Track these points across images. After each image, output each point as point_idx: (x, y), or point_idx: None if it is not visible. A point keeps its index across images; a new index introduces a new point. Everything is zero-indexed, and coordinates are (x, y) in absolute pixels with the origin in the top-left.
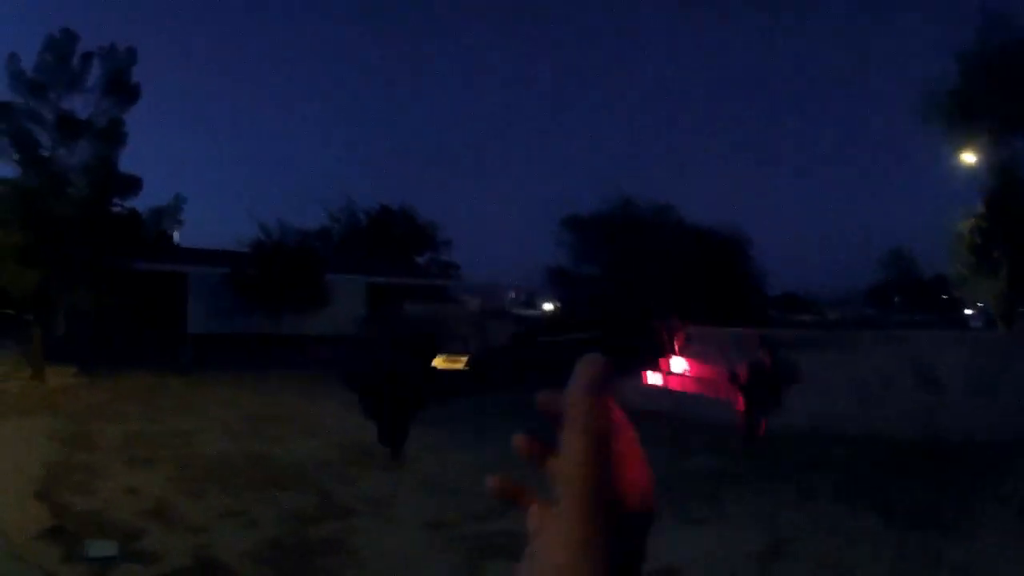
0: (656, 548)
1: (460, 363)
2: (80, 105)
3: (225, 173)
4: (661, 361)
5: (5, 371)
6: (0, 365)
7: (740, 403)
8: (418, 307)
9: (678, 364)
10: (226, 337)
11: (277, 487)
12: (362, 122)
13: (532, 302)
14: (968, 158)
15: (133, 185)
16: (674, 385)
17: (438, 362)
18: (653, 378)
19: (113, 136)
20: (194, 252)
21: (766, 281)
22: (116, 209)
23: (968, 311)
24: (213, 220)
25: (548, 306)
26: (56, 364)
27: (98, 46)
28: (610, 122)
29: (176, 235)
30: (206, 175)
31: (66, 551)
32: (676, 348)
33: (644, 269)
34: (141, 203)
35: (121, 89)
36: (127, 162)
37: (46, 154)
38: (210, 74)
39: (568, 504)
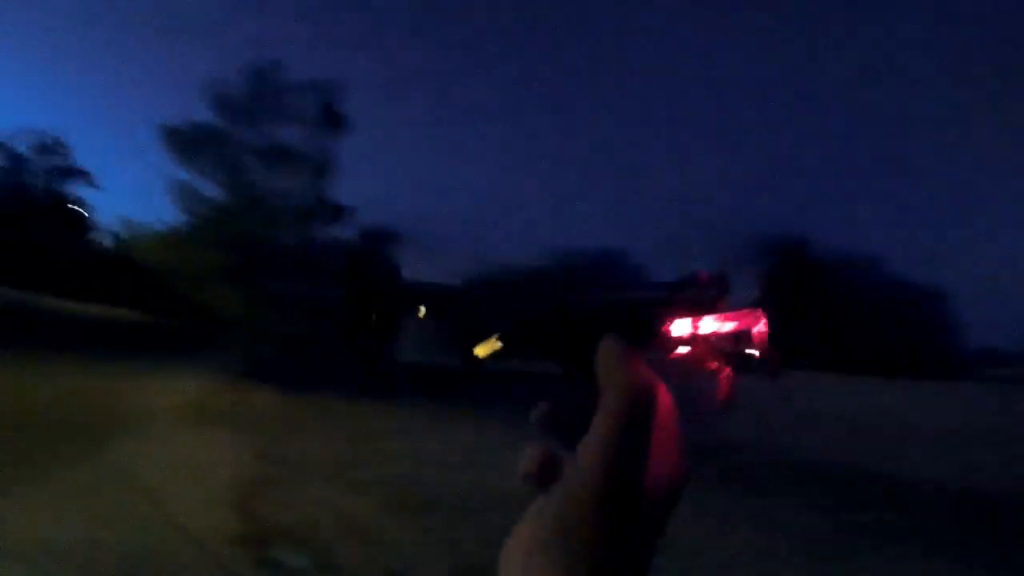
0: None
1: (494, 344)
2: (289, 135)
3: (454, 204)
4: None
5: (204, 386)
6: (200, 380)
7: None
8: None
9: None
10: (435, 368)
11: (483, 511)
12: (565, 164)
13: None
14: None
15: (340, 214)
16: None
17: (479, 350)
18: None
19: (322, 166)
20: (409, 283)
21: (963, 334)
22: (323, 237)
23: None
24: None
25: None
26: (260, 383)
27: (308, 78)
28: (785, 158)
29: (399, 264)
30: (430, 207)
31: (258, 557)
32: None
33: (852, 322)
34: (357, 232)
35: (330, 120)
36: (348, 192)
37: (254, 179)
38: (436, 108)
39: (592, 462)
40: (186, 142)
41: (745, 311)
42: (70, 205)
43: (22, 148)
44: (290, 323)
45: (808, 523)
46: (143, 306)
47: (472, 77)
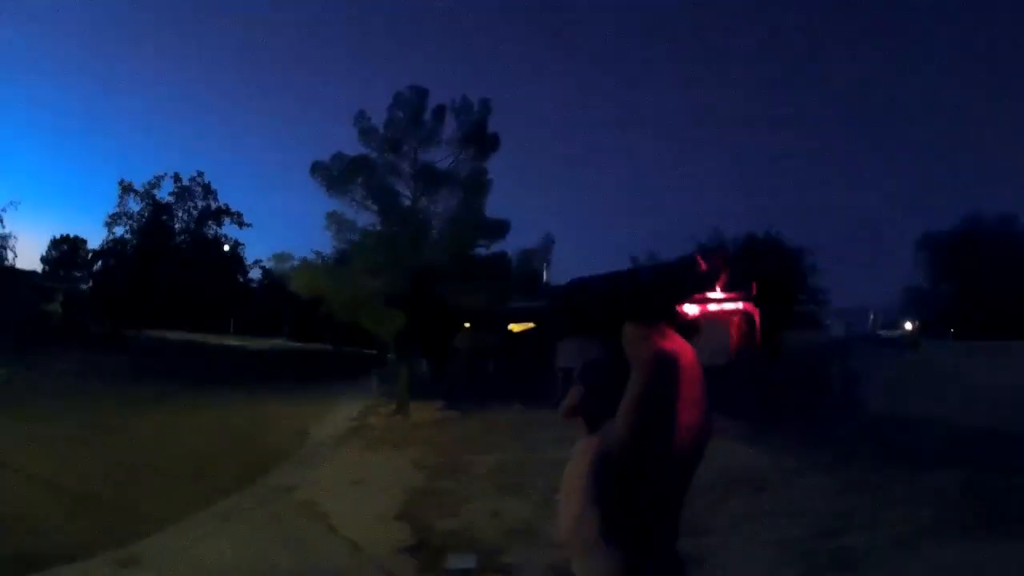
0: None
1: (528, 325)
2: (437, 157)
3: (596, 212)
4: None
5: (370, 407)
6: (365, 402)
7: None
8: None
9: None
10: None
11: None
12: (726, 154)
13: (895, 323)
14: None
15: (500, 228)
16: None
17: (514, 327)
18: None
19: (477, 185)
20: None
21: None
22: (482, 252)
23: None
24: (585, 259)
25: (909, 326)
26: (420, 401)
27: (451, 100)
28: (957, 136)
29: (544, 275)
30: (578, 214)
31: (425, 564)
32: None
33: (996, 285)
34: (511, 245)
35: (479, 139)
36: (494, 207)
37: (408, 204)
38: (571, 116)
39: (626, 408)
40: (335, 174)
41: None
42: (222, 243)
43: (165, 195)
44: (450, 341)
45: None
46: (303, 337)
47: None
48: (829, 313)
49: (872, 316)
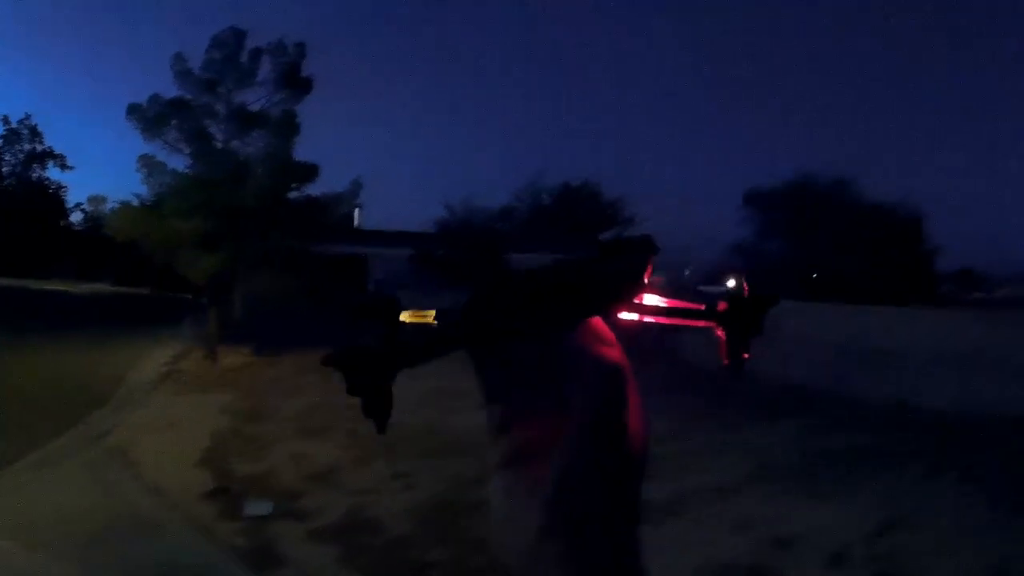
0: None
1: (428, 317)
2: (252, 99)
3: (412, 158)
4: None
5: (180, 352)
6: (175, 347)
7: (721, 333)
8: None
9: (652, 299)
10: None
11: (443, 455)
12: (547, 100)
13: (717, 278)
14: None
15: (309, 173)
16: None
17: (406, 316)
18: (628, 316)
19: (287, 127)
20: (376, 234)
21: (940, 257)
22: (293, 196)
23: None
24: (401, 203)
25: (731, 283)
26: (232, 345)
27: (267, 42)
28: (793, 92)
29: (356, 218)
30: (393, 160)
31: (224, 510)
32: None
33: (825, 247)
34: (323, 189)
35: (293, 82)
36: (306, 151)
37: (220, 146)
38: (391, 59)
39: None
40: (150, 117)
41: (698, 320)
42: (45, 187)
43: None
44: (263, 284)
45: (804, 448)
46: (119, 279)
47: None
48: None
49: (688, 270)
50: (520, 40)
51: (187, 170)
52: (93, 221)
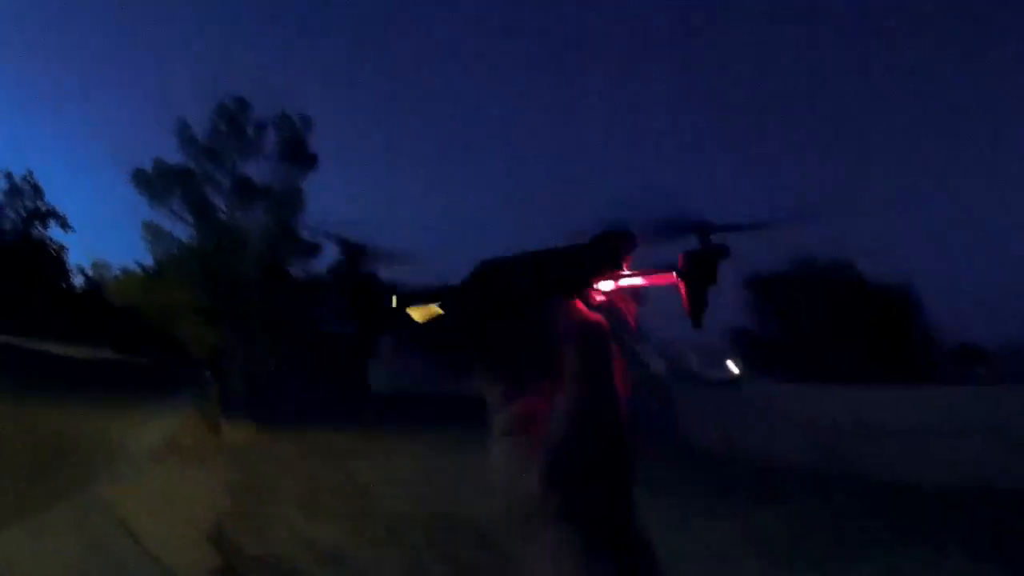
0: None
1: (433, 309)
2: (256, 170)
3: (423, 230)
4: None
5: (181, 423)
6: (177, 417)
7: (682, 288)
8: None
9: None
10: (410, 396)
11: (452, 542)
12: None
13: (717, 363)
14: None
15: (313, 249)
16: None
17: (416, 313)
18: (605, 285)
19: (291, 201)
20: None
21: (939, 334)
22: (295, 270)
23: None
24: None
25: (734, 368)
26: (234, 418)
27: (272, 114)
28: (789, 169)
29: None
30: (402, 233)
31: None
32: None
33: (824, 329)
34: (328, 262)
35: (298, 156)
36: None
37: (224, 217)
38: (402, 132)
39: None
40: (154, 182)
41: (661, 275)
42: (47, 246)
43: None
44: (264, 357)
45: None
46: (119, 345)
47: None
48: (649, 351)
49: (692, 355)
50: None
51: (191, 239)
52: (95, 285)
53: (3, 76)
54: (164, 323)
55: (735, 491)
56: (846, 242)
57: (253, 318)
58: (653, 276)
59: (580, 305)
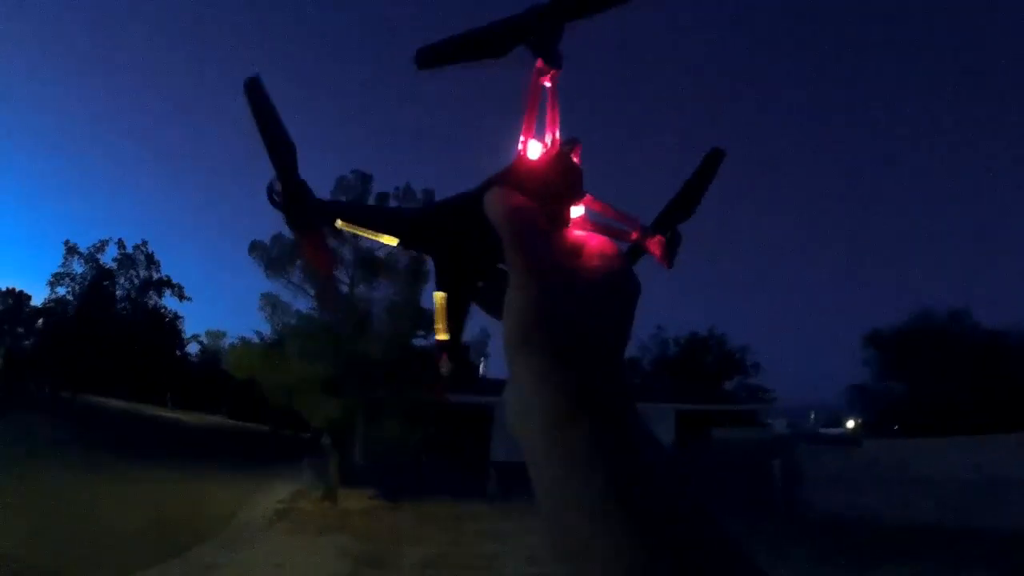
0: None
1: (383, 238)
2: (379, 244)
3: None
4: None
5: (297, 492)
6: (292, 487)
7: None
8: None
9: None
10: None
11: None
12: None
13: (837, 421)
14: None
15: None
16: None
17: (342, 225)
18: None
19: (414, 275)
20: (500, 384)
21: None
22: (419, 344)
23: None
24: None
25: (851, 423)
26: (351, 489)
27: (394, 187)
28: (909, 232)
29: (482, 368)
30: None
31: None
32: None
33: (943, 381)
34: None
35: None
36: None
37: (345, 290)
38: None
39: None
40: (273, 256)
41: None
42: (161, 315)
43: (108, 259)
44: (388, 430)
45: None
46: (235, 413)
47: None
48: (772, 411)
49: (813, 414)
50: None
51: (310, 312)
52: (210, 354)
53: (124, 146)
54: (281, 393)
55: (857, 550)
56: (961, 292)
57: (375, 391)
58: (618, 225)
59: (511, 191)
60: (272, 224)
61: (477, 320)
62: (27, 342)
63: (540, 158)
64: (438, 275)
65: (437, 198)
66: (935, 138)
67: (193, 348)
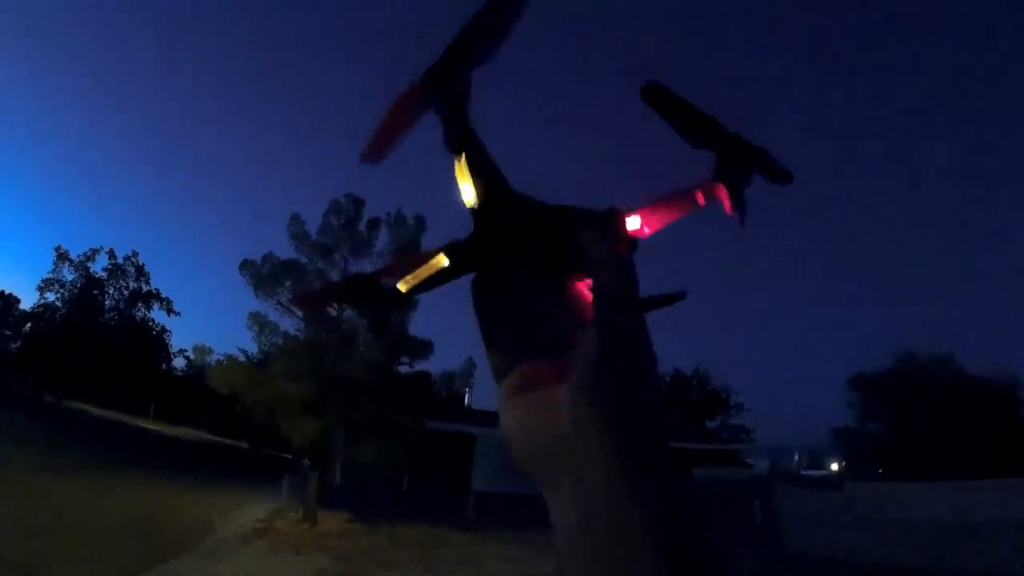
0: None
1: (437, 263)
2: (368, 267)
3: None
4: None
5: (275, 510)
6: (271, 504)
7: (723, 193)
8: None
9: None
10: (510, 496)
11: None
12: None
13: (821, 463)
14: None
15: (423, 348)
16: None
17: (403, 285)
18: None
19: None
20: (486, 415)
21: None
22: (405, 369)
23: None
24: None
25: (834, 466)
26: (330, 510)
27: (385, 212)
28: (889, 274)
29: (467, 398)
30: None
31: None
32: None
33: (926, 425)
34: (436, 366)
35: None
36: (422, 326)
37: (333, 313)
38: None
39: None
40: (263, 274)
41: (692, 193)
42: (149, 327)
43: (99, 268)
44: (369, 453)
45: None
46: (217, 428)
47: None
48: (754, 451)
49: (796, 455)
50: None
51: (298, 333)
52: (196, 369)
53: (118, 162)
54: (265, 411)
55: None
56: (946, 336)
57: (358, 414)
58: (683, 199)
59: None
60: (263, 243)
61: (465, 350)
62: (14, 345)
63: (629, 233)
64: (463, 246)
65: (427, 224)
66: (923, 178)
67: (180, 363)
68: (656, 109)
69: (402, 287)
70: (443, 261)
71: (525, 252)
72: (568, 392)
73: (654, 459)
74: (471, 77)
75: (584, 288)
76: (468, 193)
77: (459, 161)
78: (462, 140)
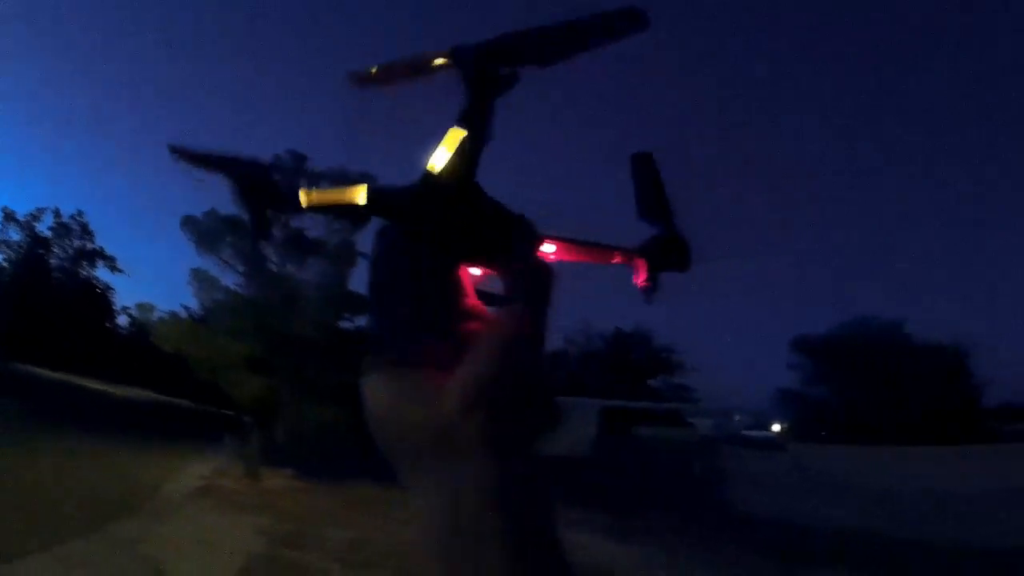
0: None
1: (352, 197)
2: (310, 224)
3: None
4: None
5: (219, 468)
6: (215, 463)
7: (643, 267)
8: None
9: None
10: None
11: None
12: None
13: (764, 424)
14: None
15: (364, 305)
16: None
17: (305, 197)
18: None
19: (344, 257)
20: None
21: (987, 392)
22: (346, 326)
23: None
24: None
25: (776, 427)
26: (274, 468)
27: (329, 168)
28: (841, 236)
29: None
30: None
31: None
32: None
33: (872, 389)
34: None
35: (353, 212)
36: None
37: (275, 269)
38: None
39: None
40: (205, 231)
41: (615, 253)
42: (93, 286)
43: (45, 228)
44: (310, 410)
45: None
46: (161, 387)
47: None
48: (697, 411)
49: (737, 416)
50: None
51: (239, 289)
52: (139, 327)
53: (58, 117)
54: (207, 369)
55: (779, 552)
56: (896, 303)
57: (300, 371)
58: (601, 251)
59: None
60: (205, 199)
61: None
62: None
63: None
64: (388, 194)
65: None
66: (881, 141)
67: (123, 320)
68: (634, 173)
69: (303, 198)
70: (359, 198)
71: (451, 227)
72: (459, 380)
73: (527, 451)
74: (519, 74)
75: (472, 282)
76: (440, 158)
77: (457, 135)
78: (479, 121)
